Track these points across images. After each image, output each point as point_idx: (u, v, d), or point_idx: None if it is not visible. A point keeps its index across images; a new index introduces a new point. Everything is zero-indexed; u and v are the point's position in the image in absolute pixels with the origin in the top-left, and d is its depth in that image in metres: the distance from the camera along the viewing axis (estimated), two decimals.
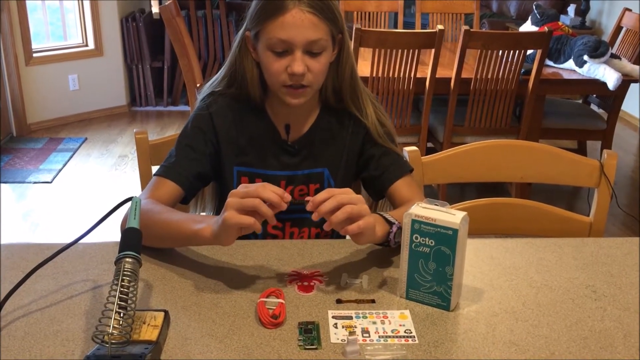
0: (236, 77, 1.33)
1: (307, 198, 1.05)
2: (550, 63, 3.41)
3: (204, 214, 1.50)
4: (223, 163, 1.35)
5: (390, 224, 1.14)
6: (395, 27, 4.56)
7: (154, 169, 1.55)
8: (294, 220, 1.38)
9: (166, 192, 1.27)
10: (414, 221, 1.03)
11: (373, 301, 1.07)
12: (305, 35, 1.19)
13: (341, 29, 1.27)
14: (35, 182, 3.73)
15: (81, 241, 1.06)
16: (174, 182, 1.28)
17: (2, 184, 3.70)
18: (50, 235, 3.13)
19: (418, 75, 3.11)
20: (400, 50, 3.01)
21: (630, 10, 3.80)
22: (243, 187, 1.03)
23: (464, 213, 1.03)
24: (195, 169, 1.31)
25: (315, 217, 1.03)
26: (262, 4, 1.22)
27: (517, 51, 3.05)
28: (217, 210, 1.47)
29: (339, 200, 1.02)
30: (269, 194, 1.01)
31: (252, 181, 1.35)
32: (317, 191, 1.37)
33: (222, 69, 1.36)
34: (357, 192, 1.51)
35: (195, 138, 1.33)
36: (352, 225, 1.03)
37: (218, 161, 1.35)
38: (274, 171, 1.36)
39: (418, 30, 4.18)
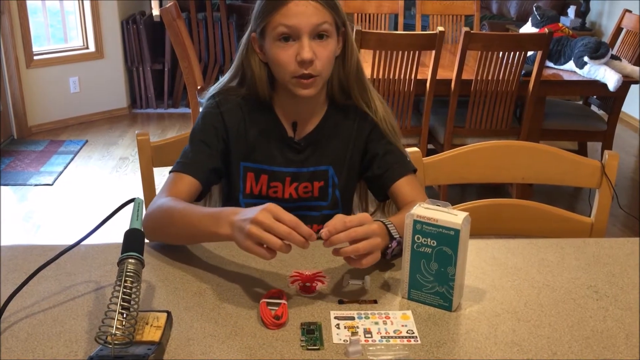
0: (245, 78, 1.35)
1: (322, 232, 1.03)
2: (551, 64, 3.41)
3: None
4: (231, 159, 1.37)
5: (392, 238, 1.14)
6: (396, 28, 4.56)
7: (156, 170, 1.56)
8: (298, 217, 1.38)
9: (185, 187, 1.28)
10: (415, 221, 1.03)
11: (375, 302, 1.07)
12: (310, 20, 1.21)
13: (344, 22, 1.29)
14: (36, 185, 3.74)
15: (84, 243, 1.06)
16: (192, 176, 1.30)
17: (3, 187, 3.70)
18: (51, 237, 3.14)
19: (418, 77, 3.11)
20: (400, 52, 3.02)
21: (630, 11, 3.81)
22: (271, 217, 0.99)
23: (466, 213, 1.03)
24: (211, 163, 1.33)
25: (326, 245, 1.03)
26: (264, 2, 1.25)
27: (518, 53, 3.05)
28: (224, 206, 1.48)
29: (351, 237, 1.02)
30: (295, 239, 0.99)
31: (257, 177, 1.37)
32: (320, 189, 1.39)
33: (228, 72, 1.39)
34: (361, 193, 1.52)
35: (208, 134, 1.34)
36: (356, 262, 1.05)
37: (227, 157, 1.37)
38: (279, 167, 1.37)
39: (418, 32, 4.18)
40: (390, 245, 1.14)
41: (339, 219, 1.03)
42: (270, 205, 1.01)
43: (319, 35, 1.23)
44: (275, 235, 0.98)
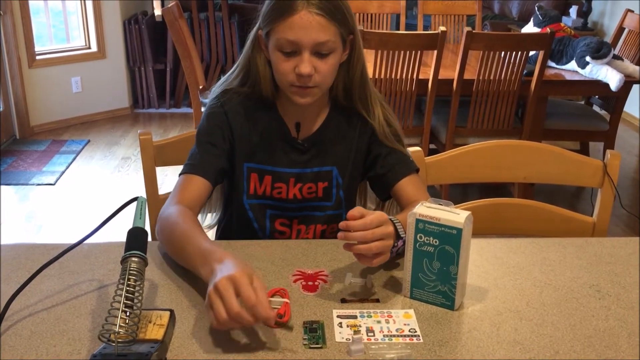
0: (249, 75, 1.35)
1: (341, 224, 1.04)
2: (553, 64, 3.41)
3: (209, 216, 1.51)
4: (235, 160, 1.37)
5: (398, 237, 1.14)
6: (398, 28, 4.56)
7: (158, 170, 1.57)
8: (302, 218, 1.39)
9: (195, 189, 1.28)
10: (418, 220, 1.04)
11: (377, 300, 1.07)
12: (313, 36, 1.20)
13: (352, 30, 1.28)
14: (38, 184, 3.74)
15: (87, 241, 1.06)
16: (202, 177, 1.30)
17: (6, 186, 3.71)
18: (53, 237, 3.14)
19: (420, 77, 3.11)
20: (402, 52, 3.02)
21: (632, 11, 3.80)
22: (230, 289, 0.91)
23: (468, 212, 1.03)
24: (219, 163, 1.33)
25: (340, 237, 1.04)
26: (273, 4, 1.24)
27: (520, 52, 3.05)
28: (225, 210, 1.48)
29: (368, 238, 1.04)
30: (242, 322, 0.91)
31: (261, 178, 1.37)
32: (325, 190, 1.39)
33: (234, 67, 1.38)
34: (361, 191, 1.53)
35: (214, 134, 1.35)
36: (367, 260, 1.06)
37: (232, 158, 1.37)
38: (283, 168, 1.37)
39: (420, 31, 4.18)
40: (395, 244, 1.14)
41: (358, 219, 1.03)
42: (236, 274, 0.92)
43: (320, 51, 1.23)
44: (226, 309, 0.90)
